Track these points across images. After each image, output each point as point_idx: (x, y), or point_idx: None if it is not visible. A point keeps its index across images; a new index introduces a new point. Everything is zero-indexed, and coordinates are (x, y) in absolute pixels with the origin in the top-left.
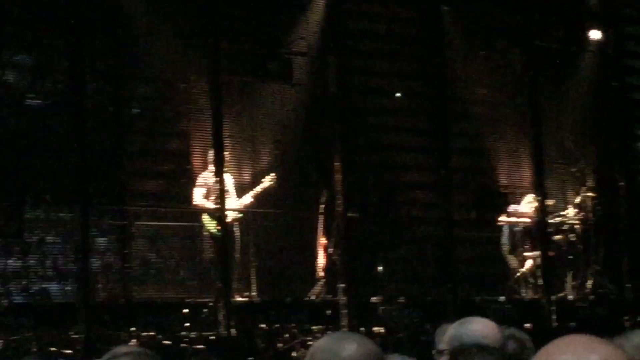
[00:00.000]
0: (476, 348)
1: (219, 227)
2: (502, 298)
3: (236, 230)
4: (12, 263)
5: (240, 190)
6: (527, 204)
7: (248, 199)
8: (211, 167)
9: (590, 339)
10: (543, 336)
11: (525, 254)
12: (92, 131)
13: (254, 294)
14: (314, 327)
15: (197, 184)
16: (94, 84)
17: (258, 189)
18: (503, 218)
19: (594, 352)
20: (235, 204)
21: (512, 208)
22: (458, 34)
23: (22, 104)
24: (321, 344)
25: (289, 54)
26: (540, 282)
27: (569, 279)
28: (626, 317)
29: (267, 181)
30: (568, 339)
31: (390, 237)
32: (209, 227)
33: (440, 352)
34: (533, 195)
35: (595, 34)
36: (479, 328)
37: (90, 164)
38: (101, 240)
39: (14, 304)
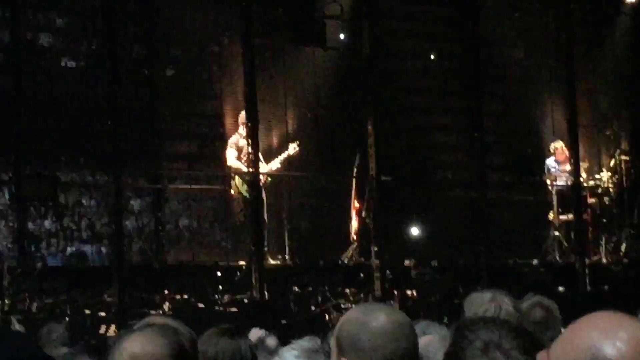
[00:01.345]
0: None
1: (251, 190)
2: (535, 262)
3: (269, 193)
4: (47, 226)
5: (273, 154)
6: (562, 167)
7: (281, 162)
8: (244, 131)
9: (618, 316)
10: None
11: (560, 217)
12: (126, 94)
13: (287, 257)
14: (346, 290)
15: (229, 146)
16: (128, 47)
17: (290, 152)
18: (536, 181)
19: (622, 329)
20: (267, 167)
21: (545, 171)
22: None
23: (56, 67)
24: (350, 315)
25: (322, 17)
26: (574, 245)
27: (603, 242)
28: None
29: (299, 144)
30: (596, 316)
31: (423, 200)
32: (241, 190)
33: None
34: (567, 158)
35: None
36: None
37: (123, 127)
38: (135, 203)
39: (49, 267)
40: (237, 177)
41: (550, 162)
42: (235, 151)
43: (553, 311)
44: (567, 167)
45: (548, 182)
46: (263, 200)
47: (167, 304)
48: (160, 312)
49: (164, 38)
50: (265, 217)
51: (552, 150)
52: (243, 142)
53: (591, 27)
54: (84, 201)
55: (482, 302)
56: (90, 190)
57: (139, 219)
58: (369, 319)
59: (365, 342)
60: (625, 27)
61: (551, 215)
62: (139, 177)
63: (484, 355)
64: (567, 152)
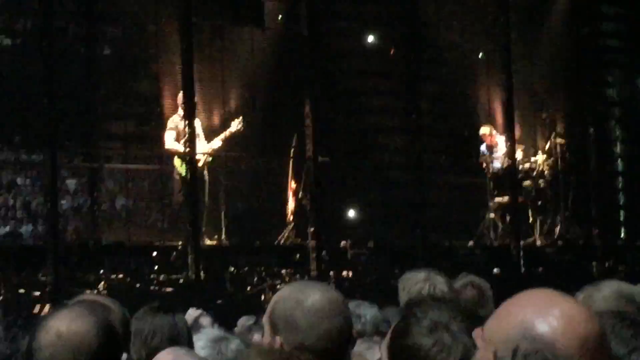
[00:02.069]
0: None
1: (188, 171)
2: (470, 243)
3: (206, 173)
4: None
5: (210, 134)
6: (498, 149)
7: (218, 142)
8: (181, 110)
9: (553, 293)
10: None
11: (495, 199)
12: (62, 72)
13: (223, 237)
14: (283, 271)
15: (167, 126)
16: (64, 25)
17: (228, 132)
18: (473, 163)
19: (555, 306)
20: (205, 147)
21: (482, 154)
22: None
23: None
24: (284, 293)
25: None
26: (509, 227)
27: (537, 224)
28: (594, 263)
29: (237, 125)
30: (530, 294)
31: (360, 181)
32: (178, 171)
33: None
34: (503, 141)
35: None
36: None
37: (60, 105)
38: (71, 183)
39: None
40: (175, 158)
41: (482, 147)
42: (173, 132)
43: (485, 291)
44: (499, 151)
45: (484, 165)
46: (205, 180)
47: (102, 283)
48: (95, 291)
49: (102, 17)
50: (206, 197)
51: (480, 136)
52: (181, 122)
53: (528, 10)
54: (19, 180)
55: (416, 281)
56: (25, 169)
57: (74, 198)
58: (303, 297)
59: (299, 320)
60: (562, 11)
61: (487, 198)
62: (75, 157)
63: (431, 335)
64: (496, 137)
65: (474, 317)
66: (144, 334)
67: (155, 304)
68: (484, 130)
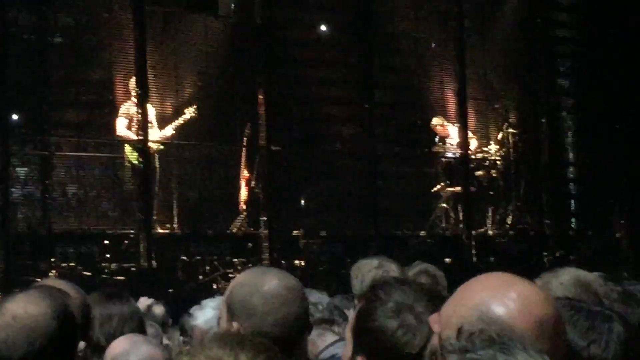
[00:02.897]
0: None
1: (140, 159)
2: (422, 233)
3: (158, 161)
4: None
5: (163, 122)
6: (450, 140)
7: (170, 130)
8: (134, 98)
9: (509, 276)
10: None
11: (447, 189)
12: (14, 60)
13: (175, 226)
14: (235, 260)
15: (119, 114)
16: (15, 13)
17: (180, 120)
18: (426, 153)
19: (512, 289)
20: (157, 135)
21: (434, 143)
22: None
23: None
24: (242, 278)
25: None
26: (461, 217)
27: (489, 214)
28: (545, 253)
29: (190, 113)
30: (486, 277)
31: (313, 170)
32: (130, 158)
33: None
34: (456, 131)
35: None
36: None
37: (11, 93)
38: (22, 170)
39: None
40: (127, 146)
41: (435, 138)
42: (125, 119)
43: (438, 278)
44: (452, 140)
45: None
46: (156, 168)
47: (53, 271)
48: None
49: (53, 4)
50: (157, 185)
51: (432, 127)
52: (133, 110)
53: (481, 1)
54: None
55: (369, 269)
56: None
57: (25, 186)
58: (261, 282)
59: (256, 305)
60: (514, 2)
61: (439, 187)
62: (26, 145)
63: (395, 316)
64: (447, 127)
65: (439, 298)
66: (96, 319)
67: (107, 290)
68: (436, 121)
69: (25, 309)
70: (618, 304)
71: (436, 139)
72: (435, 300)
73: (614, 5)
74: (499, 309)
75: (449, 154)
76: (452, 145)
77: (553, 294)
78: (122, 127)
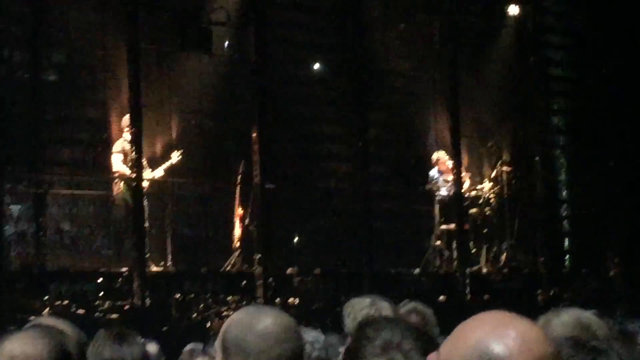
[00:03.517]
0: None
1: (134, 196)
2: (416, 271)
3: (152, 199)
4: None
5: (157, 160)
6: (444, 177)
7: (165, 168)
8: (128, 136)
9: (507, 315)
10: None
11: (441, 227)
12: (8, 97)
13: (169, 264)
14: (229, 298)
15: (113, 152)
16: (10, 50)
17: (175, 158)
18: (420, 191)
19: (510, 328)
20: (151, 173)
21: (429, 181)
22: (377, 6)
23: None
24: (236, 317)
25: (208, 23)
26: (455, 255)
27: (483, 252)
28: (539, 291)
29: (185, 151)
30: (485, 315)
31: (307, 208)
32: (124, 196)
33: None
34: (450, 169)
35: (513, 9)
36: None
37: (5, 130)
38: (15, 208)
39: None
40: (121, 183)
41: (433, 172)
42: (119, 157)
43: (428, 317)
44: (450, 177)
45: (434, 190)
46: (151, 206)
47: (47, 310)
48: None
49: (48, 42)
50: (147, 223)
51: (434, 160)
52: (128, 147)
53: (475, 39)
54: None
55: (362, 307)
56: None
57: (18, 224)
58: (255, 321)
59: (251, 344)
60: (508, 40)
61: (434, 225)
62: (20, 182)
63: (383, 354)
64: (449, 163)
65: (426, 337)
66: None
67: (116, 330)
68: (438, 154)
69: (22, 348)
70: (617, 342)
71: (432, 173)
72: (423, 338)
73: (607, 44)
74: (498, 348)
75: (444, 192)
76: (446, 182)
77: (554, 333)
78: (116, 165)
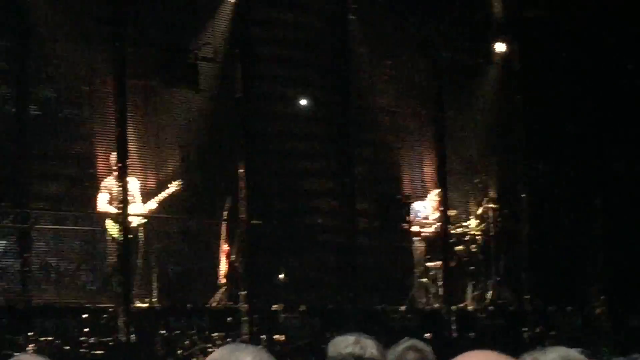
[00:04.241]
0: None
1: (120, 232)
2: (402, 308)
3: (138, 235)
4: None
5: (144, 195)
6: (430, 214)
7: (151, 204)
8: (114, 172)
9: (491, 354)
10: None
11: (427, 264)
12: None
13: (154, 299)
14: (214, 334)
15: (99, 188)
16: None
17: (161, 194)
18: (405, 227)
19: None
20: (138, 209)
21: (414, 218)
22: (364, 43)
23: None
24: (215, 356)
25: (194, 59)
26: (441, 292)
27: (469, 289)
28: (525, 329)
29: (171, 187)
30: (470, 354)
31: (293, 244)
32: (110, 232)
33: None
34: (435, 206)
35: (500, 47)
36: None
37: None
38: (0, 243)
39: None
40: (108, 220)
41: (417, 206)
42: (106, 193)
43: (427, 354)
44: (435, 214)
45: (416, 229)
46: (136, 242)
47: (31, 345)
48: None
49: (33, 77)
50: (140, 259)
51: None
52: (114, 184)
53: (461, 75)
54: None
55: (346, 344)
56: None
57: (3, 259)
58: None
59: None
60: (494, 76)
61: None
62: (5, 217)
63: None
64: (435, 200)
65: None
66: None
67: None
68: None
69: None
70: None
71: (415, 208)
72: None
73: (594, 81)
74: None
75: (428, 229)
76: (432, 220)
77: None
78: (102, 201)
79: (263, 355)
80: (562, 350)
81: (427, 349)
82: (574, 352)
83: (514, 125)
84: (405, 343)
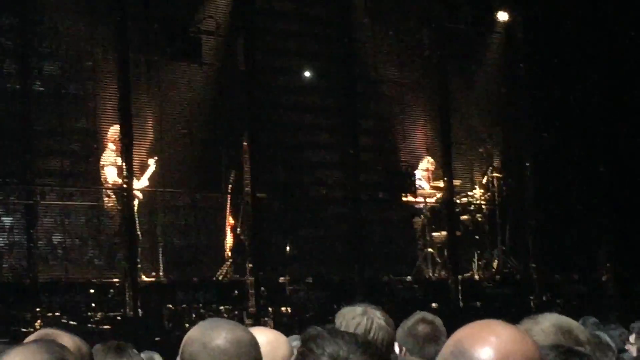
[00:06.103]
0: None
1: (125, 207)
2: (409, 278)
3: (143, 209)
4: None
5: (148, 170)
6: (435, 184)
7: (155, 178)
8: (118, 146)
9: (494, 323)
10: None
11: (433, 233)
12: None
13: (160, 274)
14: (221, 307)
15: (103, 162)
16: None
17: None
18: (410, 198)
19: (495, 334)
20: (142, 183)
21: (419, 188)
22: (367, 14)
23: None
24: (192, 334)
25: (197, 33)
26: (447, 261)
27: (475, 258)
28: (531, 297)
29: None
30: (474, 323)
31: (298, 217)
32: (115, 207)
33: None
34: (440, 175)
35: (503, 16)
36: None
37: None
38: (7, 219)
39: None
40: (112, 194)
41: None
42: (110, 168)
43: (438, 326)
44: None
45: (420, 199)
46: (142, 216)
47: (38, 321)
48: (32, 330)
49: (36, 52)
50: (139, 233)
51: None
52: (118, 158)
53: (464, 45)
54: None
55: (354, 316)
56: None
57: (10, 235)
58: (208, 338)
59: None
60: (498, 45)
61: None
62: (11, 194)
63: None
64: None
65: (374, 348)
66: None
67: (111, 344)
68: (424, 165)
69: None
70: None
71: (419, 183)
72: (370, 350)
73: (597, 50)
74: (480, 355)
75: (434, 199)
76: (437, 189)
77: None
78: (107, 176)
79: (238, 331)
80: (554, 318)
81: (438, 321)
82: (565, 319)
83: (518, 94)
84: (416, 316)
